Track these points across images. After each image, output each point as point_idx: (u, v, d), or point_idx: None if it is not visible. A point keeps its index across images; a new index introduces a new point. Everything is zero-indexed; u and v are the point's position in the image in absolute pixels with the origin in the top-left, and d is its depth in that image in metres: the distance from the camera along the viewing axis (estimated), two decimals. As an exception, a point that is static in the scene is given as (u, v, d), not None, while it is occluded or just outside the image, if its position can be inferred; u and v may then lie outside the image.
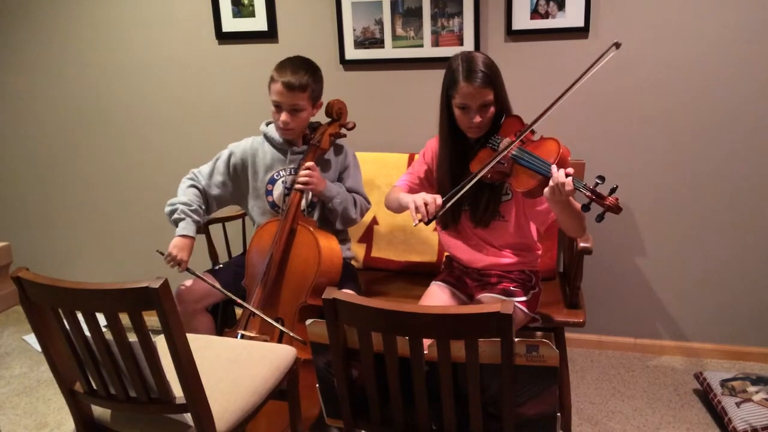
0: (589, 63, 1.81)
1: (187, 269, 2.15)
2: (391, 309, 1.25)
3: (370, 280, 2.56)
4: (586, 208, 1.72)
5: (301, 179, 2.17)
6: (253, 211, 2.38)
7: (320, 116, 2.33)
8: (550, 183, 1.71)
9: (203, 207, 2.28)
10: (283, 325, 2.14)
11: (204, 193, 2.31)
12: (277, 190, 2.31)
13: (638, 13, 2.45)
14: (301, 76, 2.16)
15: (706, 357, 2.73)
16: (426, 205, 1.87)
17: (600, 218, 1.68)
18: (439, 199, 1.89)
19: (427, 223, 1.88)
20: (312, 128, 2.33)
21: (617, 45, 1.79)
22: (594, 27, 2.50)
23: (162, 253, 2.16)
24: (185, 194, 2.25)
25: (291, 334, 2.07)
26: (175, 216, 2.20)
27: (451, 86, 1.92)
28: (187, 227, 2.18)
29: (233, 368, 1.76)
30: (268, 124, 2.35)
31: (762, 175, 2.50)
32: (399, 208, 2.08)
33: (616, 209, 1.69)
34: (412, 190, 2.16)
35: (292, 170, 2.29)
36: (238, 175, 2.35)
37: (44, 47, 3.11)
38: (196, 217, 2.21)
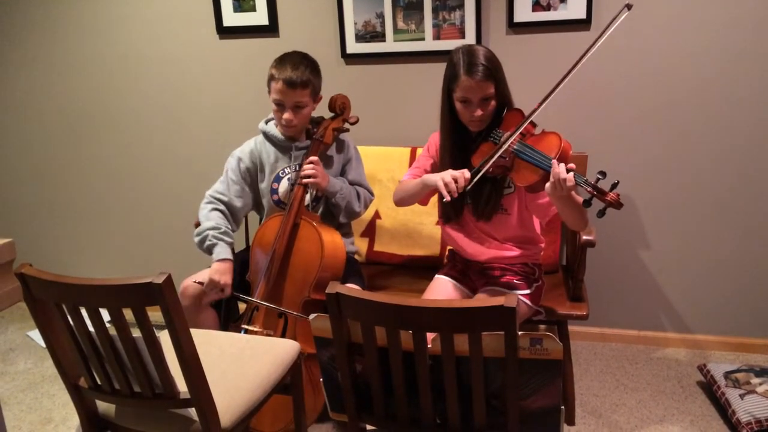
0: (611, 20, 1.79)
1: (234, 294, 2.11)
2: (394, 303, 1.25)
3: (373, 274, 2.56)
4: (587, 203, 1.71)
5: (305, 172, 2.17)
6: (265, 210, 2.37)
7: (323, 110, 2.32)
8: (551, 178, 1.70)
9: (230, 226, 2.23)
10: (286, 321, 2.14)
11: (228, 210, 2.26)
12: (282, 187, 2.31)
13: (641, 5, 2.43)
14: (302, 72, 2.13)
15: (709, 349, 2.72)
16: (455, 180, 1.85)
17: (601, 214, 1.68)
18: (467, 173, 1.86)
19: (457, 198, 1.86)
20: (315, 123, 2.32)
21: (629, 6, 1.76)
22: (596, 19, 2.48)
23: (201, 284, 2.10)
24: (210, 219, 2.20)
25: (297, 314, 2.07)
26: (208, 243, 2.14)
27: (453, 80, 1.91)
28: (222, 251, 2.13)
29: (237, 363, 1.77)
30: (267, 122, 2.34)
31: (766, 168, 2.49)
32: (420, 192, 2.03)
33: (618, 205, 1.69)
34: None
35: (297, 166, 2.29)
36: (252, 178, 2.33)
37: (45, 44, 3.11)
38: (228, 239, 2.17)
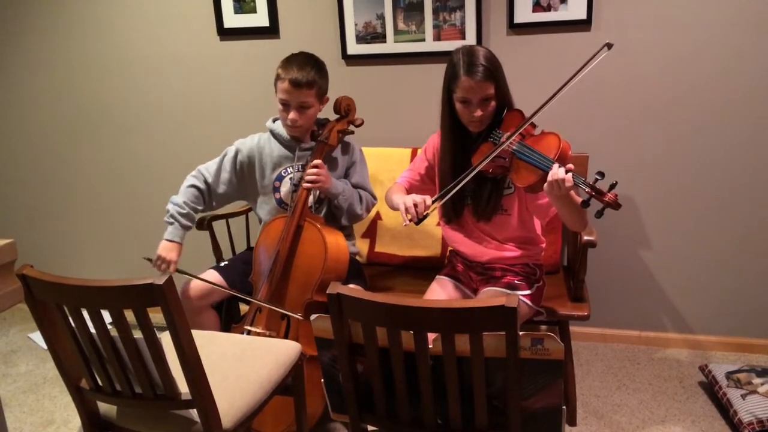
0: (590, 57, 1.80)
1: (178, 270, 2.15)
2: (395, 303, 1.25)
3: (374, 275, 2.56)
4: (585, 204, 1.72)
5: (309, 177, 2.17)
6: (260, 208, 2.38)
7: (328, 112, 2.33)
8: (549, 178, 1.71)
9: (200, 207, 2.29)
10: (289, 323, 2.14)
11: (208, 191, 2.31)
12: (285, 187, 2.31)
13: (641, 5, 2.43)
14: (307, 72, 2.15)
15: (711, 349, 2.72)
16: (415, 206, 1.89)
17: (599, 214, 1.68)
18: (428, 200, 1.91)
19: (416, 224, 1.90)
20: (320, 124, 2.32)
21: (609, 45, 1.78)
22: (597, 19, 2.48)
23: (150, 260, 2.18)
24: (183, 194, 2.26)
25: (294, 314, 2.08)
26: (166, 218, 2.23)
27: (453, 80, 1.91)
28: (174, 232, 2.21)
29: (238, 364, 1.77)
30: (274, 120, 2.35)
31: (766, 168, 2.49)
32: (393, 208, 2.08)
33: (615, 205, 1.69)
34: (412, 186, 2.17)
35: (300, 167, 2.29)
36: (244, 173, 2.35)
37: (46, 45, 3.12)
38: (185, 222, 2.23)
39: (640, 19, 2.45)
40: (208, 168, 2.33)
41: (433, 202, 1.92)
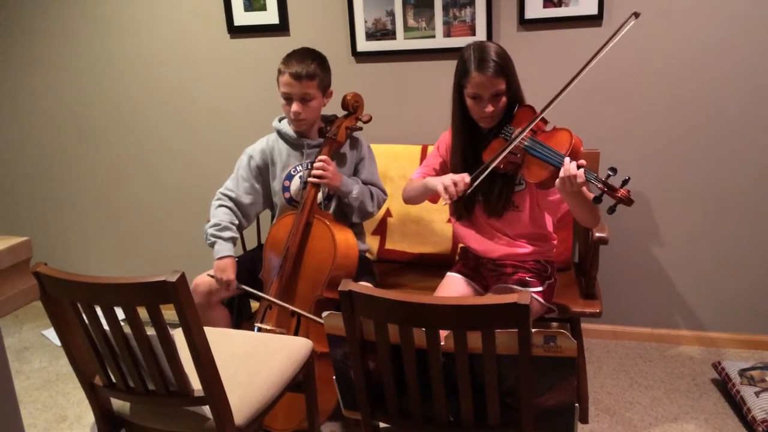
0: (618, 27, 1.79)
1: (238, 287, 2.16)
2: (407, 301, 1.25)
3: (385, 272, 2.56)
4: (597, 199, 1.71)
5: (315, 172, 2.17)
6: (277, 208, 2.38)
7: (337, 109, 2.33)
8: (561, 174, 1.70)
9: (236, 221, 2.26)
10: (299, 319, 2.14)
11: (236, 206, 2.29)
12: (294, 185, 2.31)
13: (651, 0, 2.42)
14: (307, 65, 2.16)
15: (723, 346, 2.70)
16: (455, 184, 1.88)
17: (612, 210, 1.68)
18: (467, 178, 1.89)
19: (457, 202, 1.92)
20: (328, 121, 2.32)
21: (636, 15, 1.77)
22: (608, 15, 2.47)
23: (213, 277, 2.17)
24: (214, 216, 2.25)
25: (310, 316, 2.08)
26: (208, 242, 2.21)
27: (463, 76, 1.91)
28: (220, 248, 2.18)
29: (250, 361, 1.78)
30: (280, 120, 2.35)
31: (780, 162, 2.47)
32: (424, 194, 2.07)
33: (628, 201, 1.68)
34: None
35: (309, 164, 2.29)
36: (262, 176, 2.35)
37: (55, 45, 3.13)
38: (226, 235, 2.20)
39: (650, 14, 2.43)
40: (227, 186, 2.31)
41: (472, 179, 1.90)
